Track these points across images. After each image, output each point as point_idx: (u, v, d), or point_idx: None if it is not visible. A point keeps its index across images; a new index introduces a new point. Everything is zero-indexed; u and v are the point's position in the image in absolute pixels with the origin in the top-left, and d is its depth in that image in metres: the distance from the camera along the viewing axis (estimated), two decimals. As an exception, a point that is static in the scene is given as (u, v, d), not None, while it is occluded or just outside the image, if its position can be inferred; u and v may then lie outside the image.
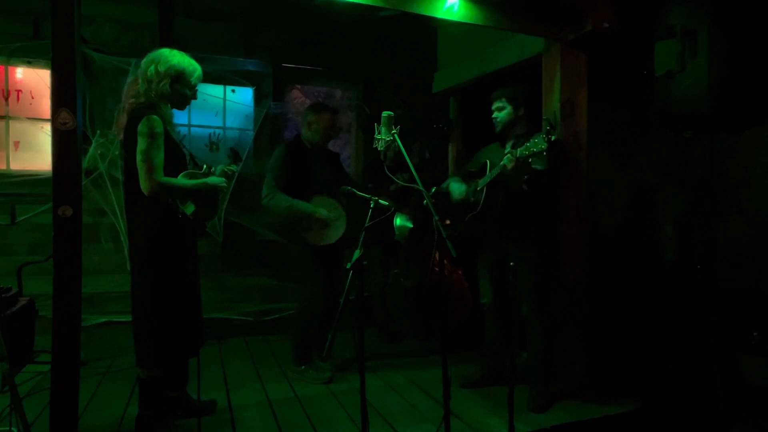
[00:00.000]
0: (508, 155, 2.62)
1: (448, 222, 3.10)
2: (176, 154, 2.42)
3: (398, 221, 3.88)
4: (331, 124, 3.45)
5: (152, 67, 2.37)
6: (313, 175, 3.37)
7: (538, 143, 2.42)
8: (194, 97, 2.55)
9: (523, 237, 2.95)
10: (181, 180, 2.36)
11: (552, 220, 3.15)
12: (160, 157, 2.29)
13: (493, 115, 3.02)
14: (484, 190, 2.87)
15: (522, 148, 2.53)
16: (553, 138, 2.41)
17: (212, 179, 2.46)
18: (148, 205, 2.34)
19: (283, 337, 4.20)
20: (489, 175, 2.84)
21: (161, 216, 2.36)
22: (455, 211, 3.09)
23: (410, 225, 3.83)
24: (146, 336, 2.40)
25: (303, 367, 3.37)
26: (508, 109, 2.94)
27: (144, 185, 2.26)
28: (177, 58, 2.42)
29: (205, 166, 2.54)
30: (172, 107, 2.51)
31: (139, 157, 2.27)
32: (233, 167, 2.70)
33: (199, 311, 2.59)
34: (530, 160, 2.52)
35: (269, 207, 3.29)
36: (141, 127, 2.27)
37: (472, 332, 3.55)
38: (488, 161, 2.93)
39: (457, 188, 3.07)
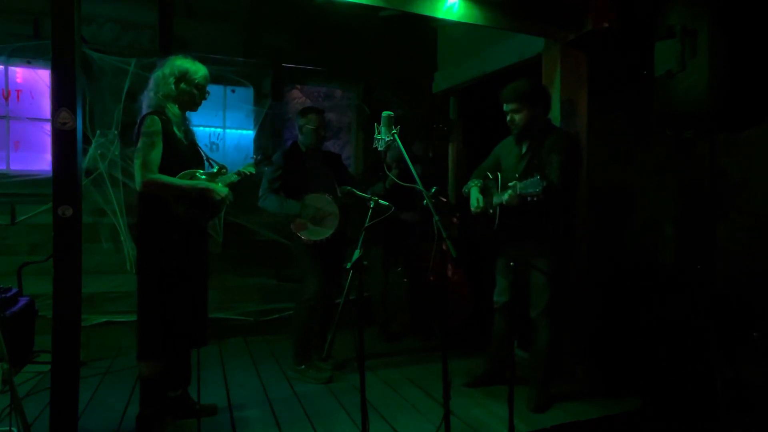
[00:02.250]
0: (510, 191, 2.57)
1: (454, 221, 3.04)
2: (181, 153, 2.46)
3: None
4: (320, 124, 3.49)
5: (159, 72, 2.49)
6: (309, 177, 3.42)
7: (535, 184, 2.38)
8: (203, 97, 2.60)
9: (540, 243, 2.88)
10: (171, 178, 2.38)
11: (567, 225, 3.10)
12: (152, 155, 2.35)
13: (509, 118, 2.90)
14: (497, 210, 2.81)
15: (522, 185, 2.46)
16: (545, 184, 2.37)
17: (205, 184, 2.45)
18: (153, 202, 2.39)
19: (283, 337, 4.20)
20: (498, 196, 2.78)
21: (164, 213, 2.39)
22: (477, 218, 3.01)
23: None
24: (147, 328, 2.43)
25: (303, 366, 3.37)
26: (525, 110, 2.83)
27: (136, 181, 2.36)
28: (180, 60, 2.52)
29: (216, 167, 2.55)
30: (183, 109, 2.54)
31: (135, 155, 2.36)
32: (249, 169, 2.75)
33: (204, 308, 2.61)
34: (528, 200, 2.46)
35: (263, 208, 3.46)
36: (142, 128, 2.37)
37: (472, 332, 3.56)
38: (499, 175, 2.88)
39: (474, 201, 2.95)
